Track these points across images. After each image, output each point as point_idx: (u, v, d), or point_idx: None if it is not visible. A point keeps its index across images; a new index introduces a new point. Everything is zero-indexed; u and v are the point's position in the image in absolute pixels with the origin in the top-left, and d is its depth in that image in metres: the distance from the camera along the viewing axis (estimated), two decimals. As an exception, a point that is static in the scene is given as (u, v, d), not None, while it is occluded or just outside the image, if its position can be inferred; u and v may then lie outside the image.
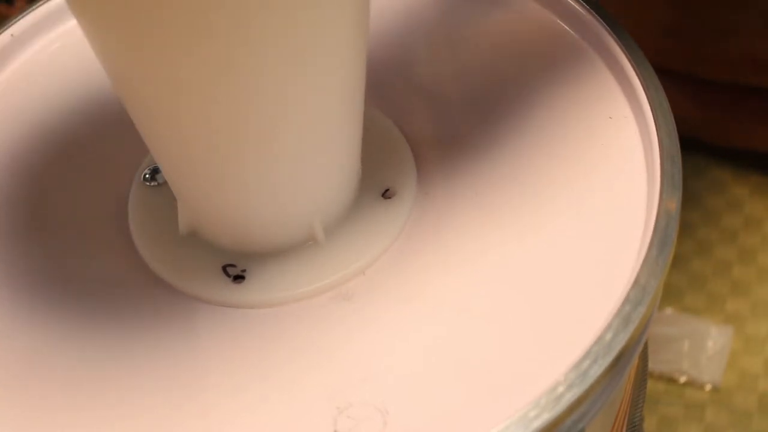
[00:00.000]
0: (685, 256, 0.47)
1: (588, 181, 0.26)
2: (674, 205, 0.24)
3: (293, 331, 0.24)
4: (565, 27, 0.29)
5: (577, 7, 0.29)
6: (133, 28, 0.21)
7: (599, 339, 0.22)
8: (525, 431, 0.21)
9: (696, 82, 0.49)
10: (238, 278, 0.25)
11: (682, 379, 0.45)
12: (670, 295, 0.46)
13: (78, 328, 0.25)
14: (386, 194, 0.26)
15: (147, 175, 0.27)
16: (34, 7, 0.31)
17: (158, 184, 0.27)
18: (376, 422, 0.22)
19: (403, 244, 0.25)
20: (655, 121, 0.26)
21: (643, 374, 0.30)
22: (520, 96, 0.28)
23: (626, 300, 0.22)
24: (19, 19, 0.31)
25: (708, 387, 0.44)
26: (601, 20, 0.28)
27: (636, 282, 0.23)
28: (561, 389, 0.21)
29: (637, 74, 0.27)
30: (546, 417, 0.21)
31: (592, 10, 0.29)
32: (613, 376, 0.22)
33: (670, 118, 0.26)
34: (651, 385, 0.44)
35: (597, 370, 0.21)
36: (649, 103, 0.26)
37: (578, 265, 0.24)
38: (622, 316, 0.22)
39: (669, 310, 0.46)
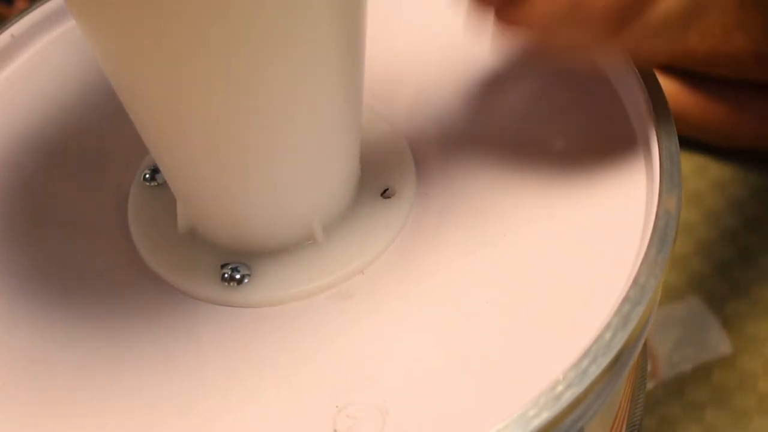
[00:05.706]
0: (685, 256, 0.47)
1: (587, 180, 0.26)
2: (674, 204, 0.24)
3: (292, 330, 0.24)
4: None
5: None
6: (132, 32, 0.21)
7: (598, 338, 0.22)
8: (524, 430, 0.21)
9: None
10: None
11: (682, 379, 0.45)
12: (670, 295, 0.46)
13: (77, 325, 0.25)
14: (386, 194, 0.26)
15: (147, 176, 0.27)
16: (34, 7, 0.31)
17: (158, 184, 0.27)
18: (376, 421, 0.22)
19: (402, 244, 0.25)
20: (654, 121, 0.26)
21: (642, 374, 0.30)
22: (519, 96, 0.28)
23: (625, 299, 0.22)
24: (19, 19, 0.31)
25: (708, 386, 0.44)
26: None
27: (635, 281, 0.23)
28: (560, 388, 0.21)
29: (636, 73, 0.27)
30: (545, 416, 0.21)
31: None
32: (612, 376, 0.22)
33: (670, 117, 0.26)
34: (651, 385, 0.44)
35: (596, 370, 0.21)
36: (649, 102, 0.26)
37: (577, 264, 0.24)
38: (621, 315, 0.22)
39: (670, 308, 0.46)
